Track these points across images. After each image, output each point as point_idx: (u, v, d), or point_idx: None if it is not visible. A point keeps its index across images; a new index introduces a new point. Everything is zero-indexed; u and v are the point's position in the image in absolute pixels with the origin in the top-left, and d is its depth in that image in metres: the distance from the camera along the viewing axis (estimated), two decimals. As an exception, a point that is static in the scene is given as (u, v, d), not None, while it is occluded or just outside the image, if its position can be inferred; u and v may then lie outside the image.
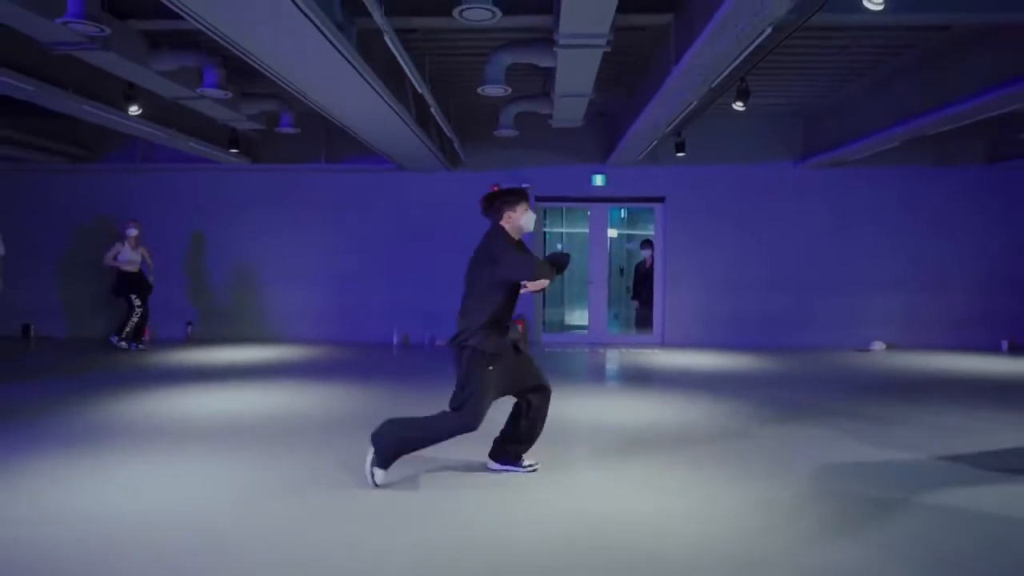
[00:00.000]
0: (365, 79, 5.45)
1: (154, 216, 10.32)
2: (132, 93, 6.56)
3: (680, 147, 9.10)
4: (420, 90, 5.97)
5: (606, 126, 9.96)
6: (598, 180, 10.40)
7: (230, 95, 6.17)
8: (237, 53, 5.01)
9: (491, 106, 8.22)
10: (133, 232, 9.39)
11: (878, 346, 10.02)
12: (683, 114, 6.86)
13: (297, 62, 5.21)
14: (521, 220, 3.85)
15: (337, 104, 6.53)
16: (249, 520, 3.34)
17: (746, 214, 10.30)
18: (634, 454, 4.46)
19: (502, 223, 3.85)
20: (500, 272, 3.68)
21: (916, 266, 10.19)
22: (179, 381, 6.91)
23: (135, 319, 9.36)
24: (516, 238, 3.87)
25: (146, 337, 9.79)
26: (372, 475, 3.71)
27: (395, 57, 5.43)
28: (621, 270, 13.42)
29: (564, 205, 11.10)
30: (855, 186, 10.21)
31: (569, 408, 5.61)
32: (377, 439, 3.73)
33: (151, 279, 9.69)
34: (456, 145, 8.86)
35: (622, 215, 13.73)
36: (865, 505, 3.56)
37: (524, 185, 10.74)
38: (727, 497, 3.68)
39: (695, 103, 6.41)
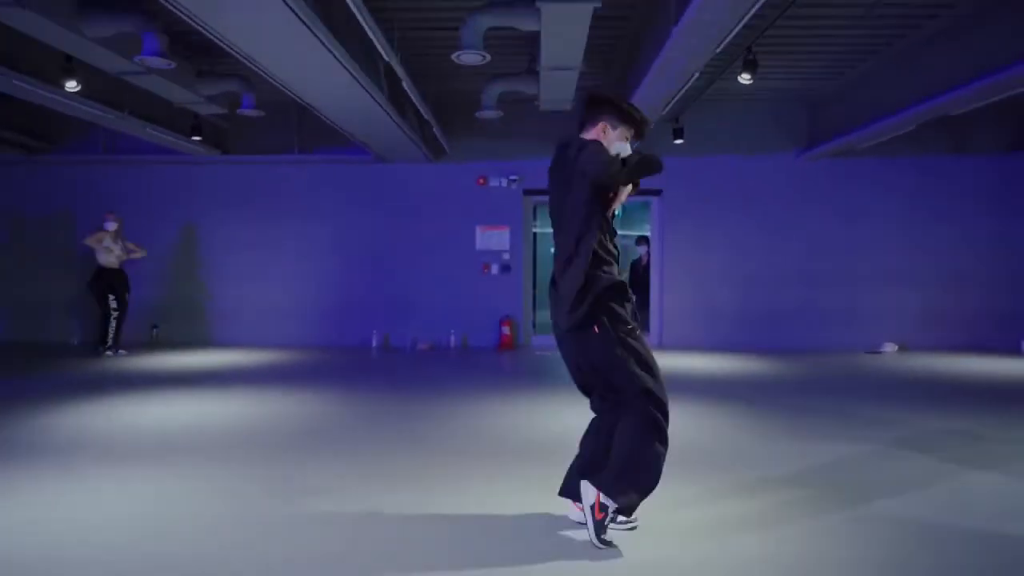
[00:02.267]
0: (326, 46, 4.80)
1: (117, 211, 9.61)
2: (70, 67, 5.89)
3: (678, 134, 8.47)
4: (387, 58, 5.31)
5: (599, 112, 9.31)
6: (590, 172, 9.73)
7: (173, 65, 5.50)
8: (183, 17, 4.36)
9: (473, 92, 7.58)
10: (111, 226, 8.60)
11: (889, 347, 9.37)
12: (683, 89, 6.21)
13: (249, 27, 4.56)
14: (614, 144, 2.82)
15: (300, 80, 5.87)
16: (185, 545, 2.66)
17: (748, 208, 9.66)
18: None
19: (592, 135, 2.86)
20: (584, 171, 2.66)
21: (929, 262, 9.55)
22: (135, 388, 6.21)
23: (114, 323, 8.55)
24: None
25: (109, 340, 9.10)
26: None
27: (363, 29, 4.81)
28: (616, 270, 12.77)
29: (544, 199, 10.40)
30: (863, 177, 9.58)
31: (564, 419, 4.95)
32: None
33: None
34: (436, 130, 8.20)
35: (616, 212, 13.07)
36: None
37: (512, 178, 10.14)
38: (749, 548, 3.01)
39: (697, 74, 5.76)
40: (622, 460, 2.67)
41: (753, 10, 4.45)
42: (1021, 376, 7.33)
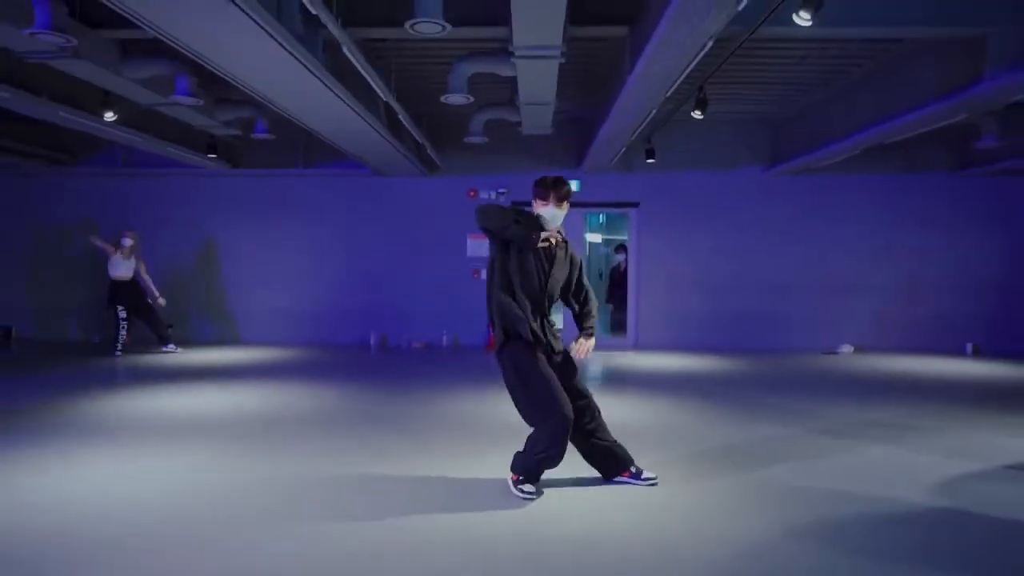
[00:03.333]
0: (329, 87, 5.63)
1: (134, 220, 10.46)
2: (108, 100, 6.72)
3: (650, 154, 9.31)
4: (385, 97, 6.15)
5: (578, 132, 10.17)
6: (572, 186, 10.55)
7: (202, 102, 6.34)
8: (202, 63, 5.18)
9: (462, 113, 8.41)
10: (127, 243, 9.28)
11: (846, 349, 10.23)
12: (646, 121, 7.06)
13: (260, 72, 5.39)
14: (538, 209, 3.67)
15: (306, 112, 6.70)
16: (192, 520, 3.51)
17: (717, 219, 10.52)
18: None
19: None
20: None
21: (884, 270, 10.42)
22: (150, 382, 7.06)
23: (123, 332, 9.26)
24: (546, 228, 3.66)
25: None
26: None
27: (365, 77, 5.64)
28: (600, 274, 13.61)
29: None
30: (823, 192, 10.44)
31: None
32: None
33: (154, 295, 9.49)
34: (429, 151, 9.04)
35: (601, 220, 13.94)
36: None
37: (501, 191, 10.96)
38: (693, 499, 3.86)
39: (655, 111, 6.61)
40: (521, 452, 3.73)
41: (693, 64, 5.28)
42: (955, 374, 8.20)
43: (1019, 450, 4.70)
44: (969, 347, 10.18)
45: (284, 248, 10.81)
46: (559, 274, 3.77)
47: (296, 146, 10.42)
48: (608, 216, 13.77)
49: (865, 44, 6.97)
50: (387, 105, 7.22)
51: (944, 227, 10.40)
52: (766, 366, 8.82)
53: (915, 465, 4.35)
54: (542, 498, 3.65)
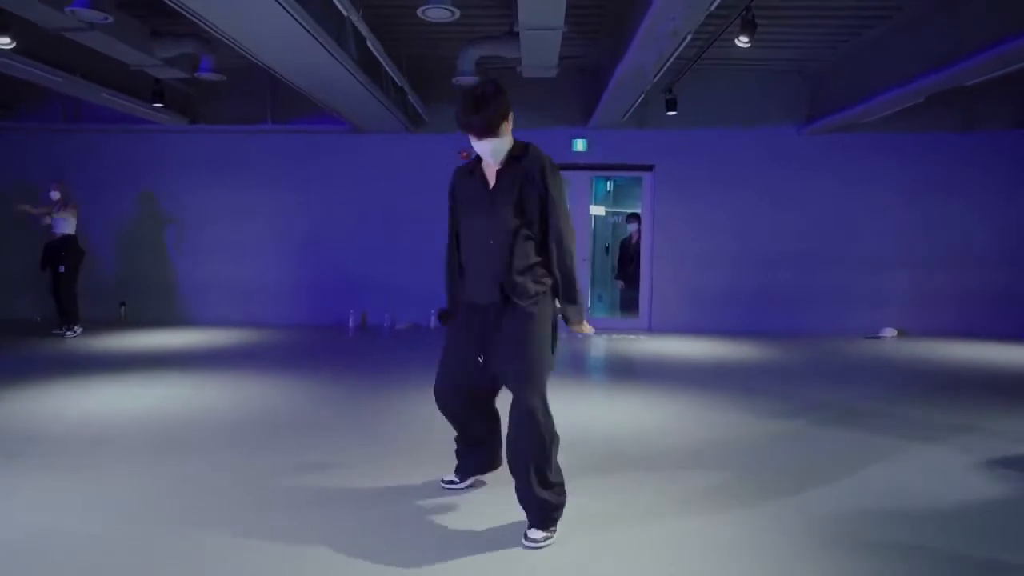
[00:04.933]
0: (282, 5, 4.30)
1: (81, 183, 9.12)
2: (2, 21, 5.36)
3: (671, 104, 7.99)
4: (346, 12, 4.80)
5: (587, 82, 8.81)
6: (579, 145, 9.26)
7: (109, 18, 4.98)
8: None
9: (451, 57, 7.06)
10: (55, 195, 7.99)
11: (888, 332, 8.99)
12: (674, 54, 5.72)
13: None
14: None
15: (254, 38, 5.36)
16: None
17: (744, 184, 9.20)
18: (610, 478, 3.39)
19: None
20: None
21: (931, 242, 9.13)
22: (91, 372, 5.80)
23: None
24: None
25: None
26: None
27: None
28: (607, 248, 12.32)
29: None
30: (865, 153, 9.11)
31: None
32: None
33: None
34: (410, 96, 7.69)
35: (608, 188, 12.59)
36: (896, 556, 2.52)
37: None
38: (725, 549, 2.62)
39: (688, 37, 5.27)
40: None
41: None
42: (1015, 366, 6.94)
43: None
44: (1029, 330, 8.95)
45: (249, 215, 9.48)
46: (503, 208, 2.64)
47: (263, 98, 9.06)
48: (616, 184, 12.42)
49: None
50: (358, 35, 5.87)
51: (1004, 192, 9.08)
52: (803, 352, 7.58)
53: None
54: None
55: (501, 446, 2.96)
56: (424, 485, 3.20)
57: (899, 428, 4.34)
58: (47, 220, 7.95)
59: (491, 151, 2.66)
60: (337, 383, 5.58)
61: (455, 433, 3.09)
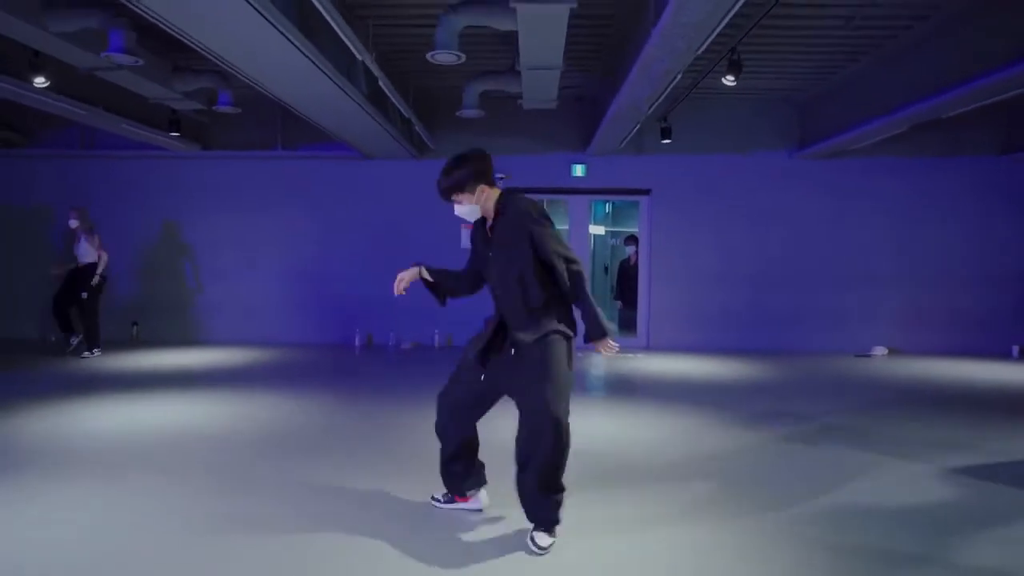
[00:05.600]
0: (291, 41, 4.64)
1: (95, 207, 9.44)
2: (37, 62, 5.72)
3: (666, 133, 8.33)
4: (360, 55, 5.15)
5: (585, 111, 9.17)
6: (578, 170, 9.60)
7: (141, 62, 5.33)
8: (148, 16, 4.21)
9: (456, 89, 7.42)
10: (74, 223, 8.25)
11: (879, 351, 9.27)
12: (667, 89, 6.07)
13: (219, 28, 4.42)
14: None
15: (273, 78, 5.71)
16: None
17: (738, 207, 9.53)
18: (605, 488, 3.67)
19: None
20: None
21: (920, 264, 9.44)
22: (108, 390, 6.09)
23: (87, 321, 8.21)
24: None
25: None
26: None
27: (335, 29, 4.66)
28: (606, 269, 12.63)
29: (541, 197, 10.25)
30: (855, 177, 9.45)
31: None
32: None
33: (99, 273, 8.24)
34: (417, 127, 8.04)
35: (607, 210, 12.93)
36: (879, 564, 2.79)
37: (499, 176, 10.01)
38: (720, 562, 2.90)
39: (680, 75, 5.62)
40: None
41: (734, 10, 4.31)
42: (1003, 384, 7.21)
43: None
44: (1016, 349, 9.22)
45: (260, 238, 9.81)
46: (502, 260, 2.95)
47: (273, 125, 9.42)
48: (614, 206, 12.76)
49: (906, 8, 5.98)
50: (368, 72, 6.22)
51: (988, 216, 9.41)
52: (796, 371, 7.86)
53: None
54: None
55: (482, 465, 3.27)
56: (415, 492, 3.48)
57: (878, 443, 4.61)
58: (85, 250, 8.17)
59: (460, 212, 3.04)
60: (341, 400, 5.86)
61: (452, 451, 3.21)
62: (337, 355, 8.72)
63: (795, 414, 5.54)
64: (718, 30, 4.57)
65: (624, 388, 7.03)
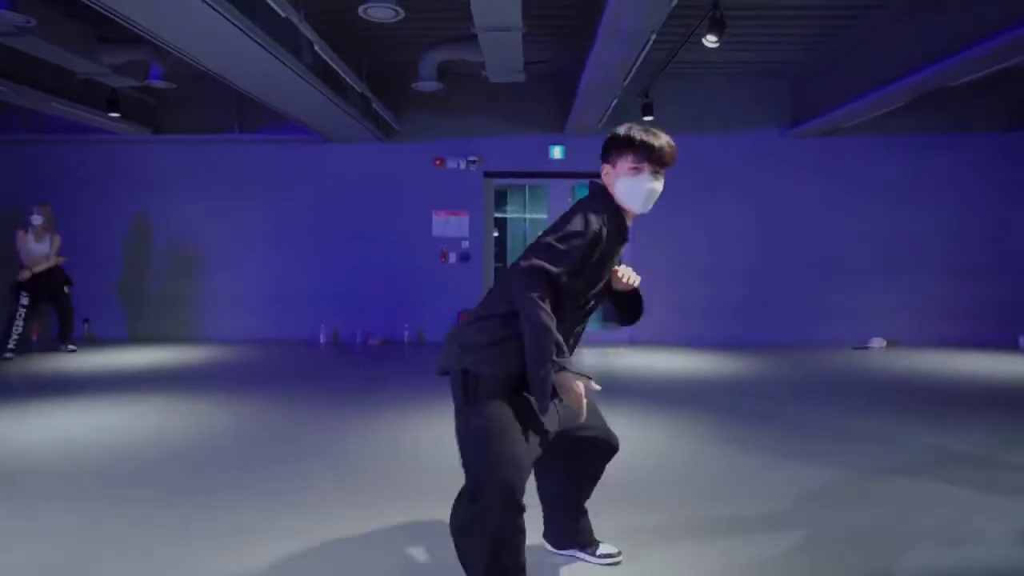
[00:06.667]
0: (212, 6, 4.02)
1: (40, 196, 8.81)
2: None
3: (647, 109, 7.70)
4: (283, 12, 4.51)
5: (561, 87, 8.53)
6: (556, 152, 8.98)
7: (31, 22, 4.70)
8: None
9: (415, 63, 6.77)
10: (38, 220, 7.72)
11: (878, 343, 8.68)
12: (641, 54, 5.43)
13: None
14: (620, 182, 2.27)
15: (197, 44, 5.08)
16: None
17: (727, 191, 8.91)
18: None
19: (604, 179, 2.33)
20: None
21: (921, 250, 8.83)
22: (35, 396, 5.49)
23: (18, 324, 7.54)
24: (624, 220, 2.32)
25: (33, 337, 8.38)
26: None
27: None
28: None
29: (518, 181, 9.64)
30: (853, 157, 8.83)
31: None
32: None
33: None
34: (375, 104, 7.41)
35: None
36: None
37: (471, 159, 9.34)
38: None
39: (653, 35, 4.98)
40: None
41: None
42: (1013, 377, 6.62)
43: None
44: (1023, 340, 8.62)
45: (219, 228, 9.18)
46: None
47: (228, 107, 8.78)
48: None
49: None
50: (311, 44, 5.58)
51: (995, 197, 8.80)
52: (789, 366, 7.27)
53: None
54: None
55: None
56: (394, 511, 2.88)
57: (838, 437, 4.02)
58: (34, 250, 7.77)
59: (656, 191, 2.35)
60: (321, 401, 5.26)
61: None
62: (297, 353, 8.11)
63: (772, 411, 4.95)
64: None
65: (606, 390, 6.42)
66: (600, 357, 7.89)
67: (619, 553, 2.57)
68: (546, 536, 2.63)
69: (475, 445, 2.07)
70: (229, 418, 4.83)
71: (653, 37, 4.98)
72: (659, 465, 3.81)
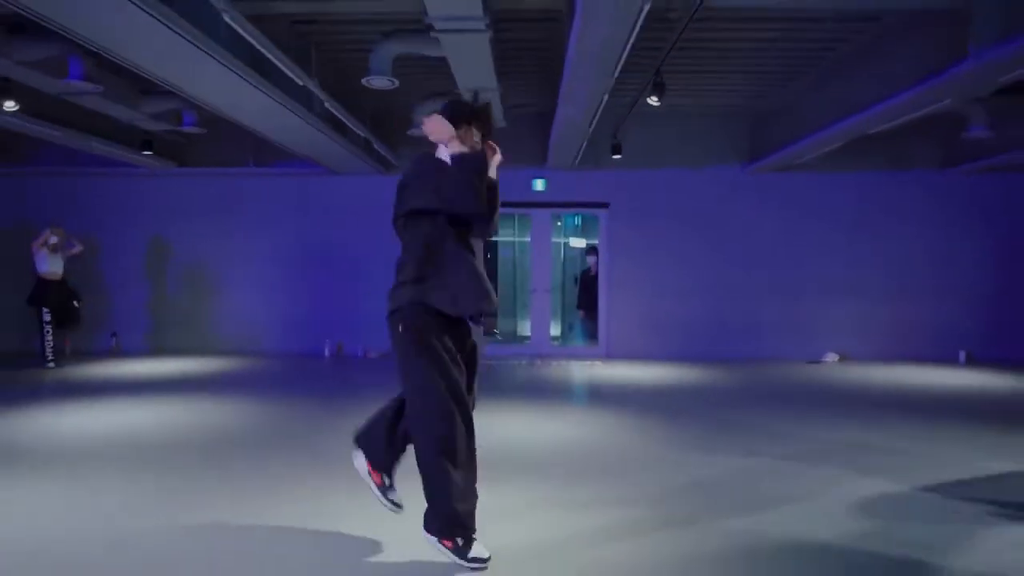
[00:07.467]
0: (233, 71, 5.03)
1: (73, 223, 9.83)
2: (6, 86, 6.13)
3: (616, 149, 8.69)
4: (302, 82, 5.54)
5: (543, 126, 9.54)
6: (539, 185, 9.98)
7: (101, 89, 5.73)
8: (86, 44, 4.60)
9: (408, 105, 7.80)
10: (53, 240, 8.69)
11: (831, 357, 9.58)
12: (599, 110, 6.43)
13: (156, 57, 4.82)
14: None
15: (224, 103, 6.10)
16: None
17: (693, 220, 9.89)
18: (510, 482, 3.99)
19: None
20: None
21: (870, 273, 9.77)
22: (74, 397, 6.46)
23: (48, 338, 8.54)
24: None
25: (66, 345, 9.28)
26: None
27: (282, 60, 5.05)
28: (576, 279, 12.95)
29: (505, 211, 10.58)
30: (806, 190, 9.80)
31: (502, 430, 5.16)
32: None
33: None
34: (376, 146, 8.43)
35: (576, 223, 13.30)
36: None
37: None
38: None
39: (607, 96, 5.98)
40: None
41: (634, 35, 4.61)
42: (952, 385, 7.51)
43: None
44: (962, 355, 9.51)
45: (236, 252, 10.20)
46: None
47: (245, 144, 9.81)
48: (584, 218, 13.13)
49: (839, 25, 6.35)
50: (322, 100, 6.60)
51: (933, 227, 9.75)
52: (745, 377, 8.17)
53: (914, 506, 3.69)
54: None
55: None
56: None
57: (795, 444, 4.92)
58: (46, 262, 8.60)
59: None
60: (322, 404, 6.20)
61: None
62: (306, 364, 9.05)
63: (728, 417, 5.85)
64: (625, 54, 4.92)
65: (563, 393, 7.34)
66: (580, 370, 8.80)
67: (400, 508, 3.04)
68: (358, 441, 3.12)
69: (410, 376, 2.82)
70: (247, 416, 5.77)
71: (606, 98, 5.98)
72: (591, 452, 4.72)
